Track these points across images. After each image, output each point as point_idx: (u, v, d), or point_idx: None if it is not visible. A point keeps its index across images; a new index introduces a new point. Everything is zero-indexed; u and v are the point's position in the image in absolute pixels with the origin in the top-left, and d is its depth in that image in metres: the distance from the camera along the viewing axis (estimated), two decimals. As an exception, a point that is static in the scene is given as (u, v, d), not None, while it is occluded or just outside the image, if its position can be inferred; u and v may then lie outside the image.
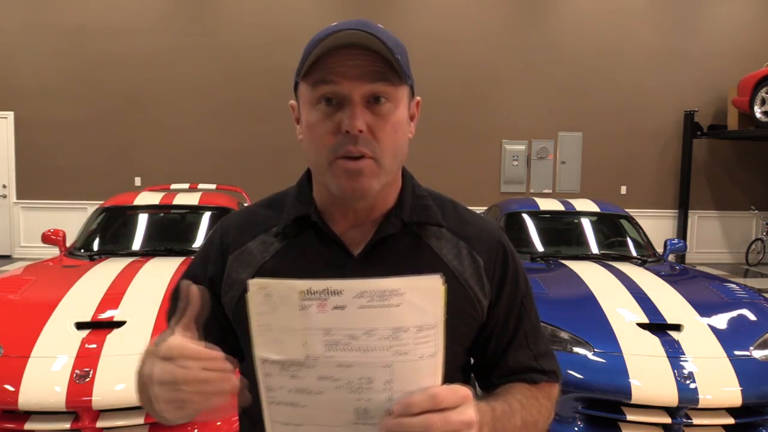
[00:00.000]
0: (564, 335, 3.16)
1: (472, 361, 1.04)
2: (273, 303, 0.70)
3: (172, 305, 1.04)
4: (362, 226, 0.96)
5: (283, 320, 0.69)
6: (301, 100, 0.92)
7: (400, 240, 0.95)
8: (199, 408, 0.71)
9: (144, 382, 0.78)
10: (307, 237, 0.96)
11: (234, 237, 1.00)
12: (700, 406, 2.82)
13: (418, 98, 1.01)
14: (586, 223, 5.14)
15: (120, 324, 2.99)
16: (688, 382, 2.86)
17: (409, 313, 0.68)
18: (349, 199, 0.91)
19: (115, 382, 2.65)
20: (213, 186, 6.47)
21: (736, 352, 3.03)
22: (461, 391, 0.71)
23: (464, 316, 0.95)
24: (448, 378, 0.75)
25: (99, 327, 2.98)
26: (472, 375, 1.05)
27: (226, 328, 0.99)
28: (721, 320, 3.31)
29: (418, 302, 0.68)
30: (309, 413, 0.70)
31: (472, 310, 0.96)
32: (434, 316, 0.68)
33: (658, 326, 3.21)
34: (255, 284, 0.70)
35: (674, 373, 2.89)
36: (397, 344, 0.68)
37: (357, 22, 0.88)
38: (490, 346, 1.00)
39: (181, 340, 0.71)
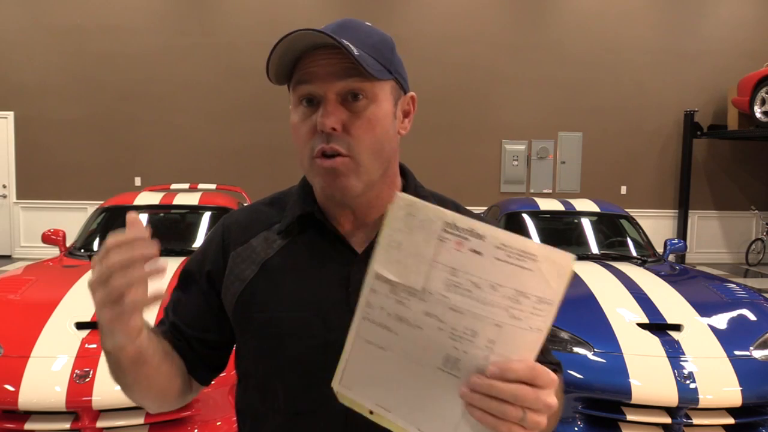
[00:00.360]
0: (564, 335, 3.16)
1: None
2: (413, 224, 0.67)
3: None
4: (365, 226, 0.97)
5: (416, 244, 0.67)
6: (291, 102, 0.94)
7: None
8: (132, 303, 0.71)
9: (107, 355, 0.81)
10: (311, 235, 0.97)
11: (236, 234, 1.00)
12: (700, 406, 2.82)
13: (412, 93, 0.99)
14: (586, 223, 5.14)
15: (120, 324, 2.98)
16: (688, 382, 2.86)
17: (537, 282, 0.66)
18: (331, 197, 0.92)
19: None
20: (213, 186, 6.47)
21: (736, 352, 3.03)
22: (552, 374, 0.70)
23: None
24: None
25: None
26: None
27: (224, 324, 1.00)
28: (721, 320, 3.31)
29: (548, 274, 0.66)
30: (398, 342, 0.68)
31: None
32: (556, 293, 0.67)
33: (658, 326, 3.21)
34: (401, 198, 0.68)
35: (674, 373, 2.89)
36: (515, 307, 0.66)
37: (337, 23, 0.90)
38: None
39: (112, 237, 0.72)
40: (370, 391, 0.72)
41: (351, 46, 0.84)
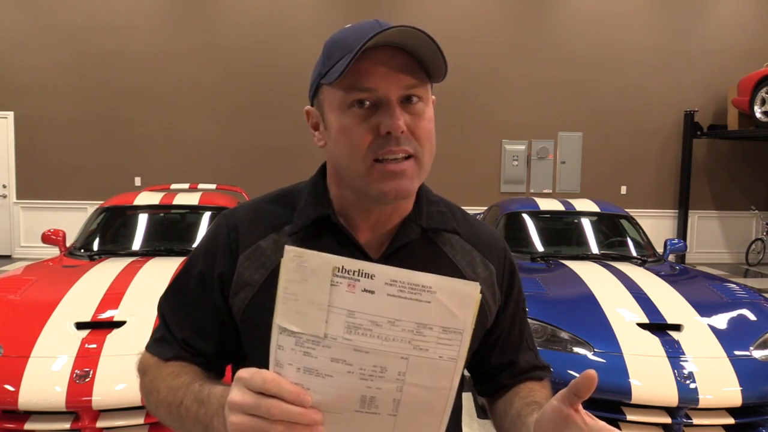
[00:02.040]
0: (564, 335, 3.16)
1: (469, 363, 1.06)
2: (305, 273, 0.68)
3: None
4: (381, 231, 0.95)
5: (311, 293, 0.68)
6: (327, 105, 0.90)
7: (418, 246, 0.95)
8: None
9: (194, 410, 0.80)
10: (325, 239, 0.94)
11: (243, 233, 0.96)
12: (700, 406, 2.82)
13: (434, 97, 0.98)
14: (586, 223, 5.14)
15: (120, 324, 2.99)
16: (688, 382, 2.86)
17: (438, 313, 0.67)
18: (390, 202, 0.90)
19: (115, 382, 2.65)
20: (213, 186, 6.47)
21: (736, 352, 3.03)
22: None
23: (476, 323, 0.96)
24: None
25: (99, 327, 2.98)
26: (468, 376, 1.07)
27: (229, 328, 0.96)
28: (721, 320, 3.31)
29: (450, 304, 0.67)
30: (313, 396, 0.69)
31: (483, 317, 0.98)
32: (462, 323, 0.68)
33: (658, 326, 3.21)
34: (290, 251, 0.69)
35: (674, 373, 2.89)
36: (418, 339, 0.67)
37: (398, 26, 0.86)
38: (495, 350, 1.03)
39: (276, 376, 0.69)
40: None
41: (438, 44, 0.83)
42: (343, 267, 0.67)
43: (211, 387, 0.81)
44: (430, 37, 0.82)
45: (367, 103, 0.85)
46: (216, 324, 0.96)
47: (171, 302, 1.00)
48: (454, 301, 0.67)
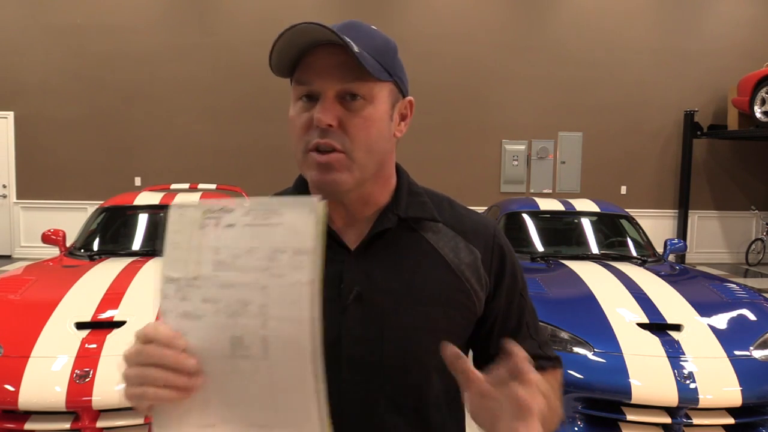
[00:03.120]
0: (564, 335, 3.16)
1: (472, 355, 1.05)
2: (184, 222, 0.71)
3: None
4: (359, 223, 0.97)
5: (187, 239, 0.70)
6: (291, 97, 0.95)
7: (397, 235, 0.96)
8: (153, 396, 0.70)
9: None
10: None
11: None
12: (700, 406, 2.82)
13: (410, 98, 1.00)
14: (586, 223, 5.14)
15: (120, 324, 2.99)
16: (688, 382, 2.86)
17: (287, 235, 0.67)
18: (322, 192, 0.92)
19: (115, 382, 2.65)
20: (213, 186, 6.47)
21: (736, 352, 3.03)
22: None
23: (460, 308, 0.96)
24: (447, 373, 0.75)
25: (99, 327, 2.98)
26: None
27: None
28: (721, 320, 3.31)
29: (296, 224, 0.66)
30: (190, 342, 0.69)
31: (469, 302, 0.97)
32: (311, 240, 0.66)
33: (658, 326, 3.21)
34: (174, 203, 0.72)
35: (674, 373, 2.89)
36: (274, 266, 0.66)
37: (343, 23, 0.91)
38: (492, 339, 1.01)
39: (155, 324, 0.72)
40: (188, 416, 0.71)
41: (352, 43, 0.85)
42: (210, 208, 0.70)
43: None
44: (341, 37, 0.84)
45: (313, 97, 0.90)
46: None
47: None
48: (299, 220, 0.67)
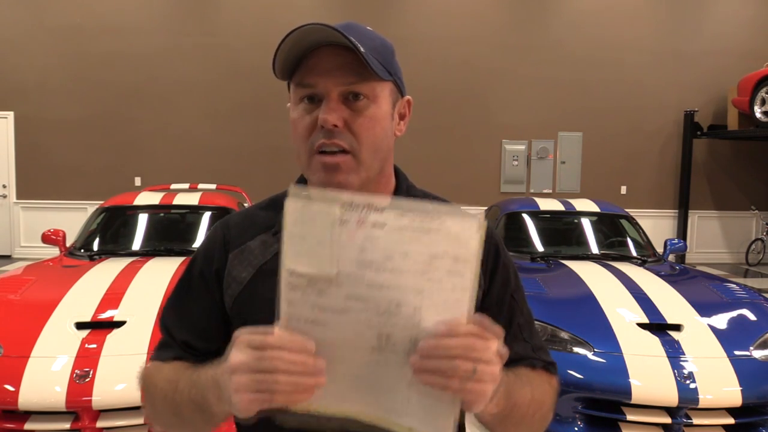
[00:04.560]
0: (564, 335, 3.16)
1: None
2: (311, 213, 0.67)
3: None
4: None
5: (319, 232, 0.67)
6: (291, 102, 0.95)
7: None
8: (283, 399, 0.68)
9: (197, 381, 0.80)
10: None
11: (235, 234, 1.00)
12: (700, 406, 2.82)
13: (408, 97, 1.01)
14: (586, 223, 5.14)
15: (120, 324, 2.99)
16: (688, 382, 2.86)
17: (447, 242, 0.66)
18: None
19: (115, 382, 2.65)
20: (213, 186, 6.47)
21: (736, 352, 3.03)
22: (497, 326, 0.70)
23: None
24: None
25: (99, 327, 2.98)
26: None
27: (228, 322, 0.98)
28: (721, 320, 3.31)
29: (458, 233, 0.66)
30: (328, 333, 0.68)
31: None
32: (470, 250, 0.67)
33: (658, 326, 3.21)
34: (295, 191, 0.68)
35: (674, 373, 2.89)
36: (431, 271, 0.66)
37: (341, 24, 0.90)
38: None
39: (277, 330, 0.69)
40: (319, 392, 0.71)
41: (358, 43, 0.86)
42: (351, 202, 0.66)
43: (205, 368, 0.81)
44: (345, 36, 0.84)
45: (316, 99, 0.90)
46: (218, 322, 0.98)
47: (172, 308, 1.03)
48: (462, 229, 0.66)
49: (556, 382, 1.04)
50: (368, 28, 0.95)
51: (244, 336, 0.69)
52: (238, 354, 0.69)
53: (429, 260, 0.66)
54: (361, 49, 0.85)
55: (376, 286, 0.66)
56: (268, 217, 1.01)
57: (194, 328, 0.98)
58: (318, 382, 0.68)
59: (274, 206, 1.02)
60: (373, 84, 0.90)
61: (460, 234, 0.66)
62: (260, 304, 0.92)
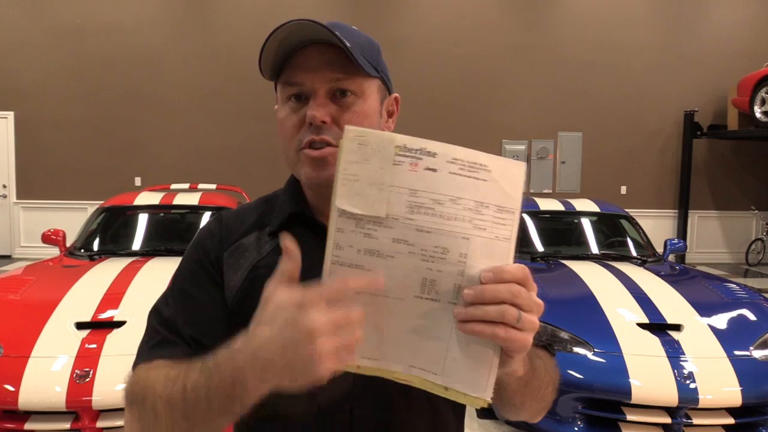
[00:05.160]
0: (564, 335, 3.16)
1: None
2: (366, 153, 0.68)
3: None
4: None
5: (373, 173, 0.67)
6: (278, 101, 0.96)
7: None
8: (328, 365, 0.63)
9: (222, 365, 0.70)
10: (302, 234, 0.93)
11: (229, 231, 0.99)
12: (700, 406, 2.82)
13: (396, 95, 1.01)
14: (586, 223, 5.14)
15: (120, 324, 2.99)
16: (688, 382, 2.86)
17: (494, 191, 0.67)
18: (318, 188, 0.92)
19: (115, 382, 2.65)
20: (213, 186, 6.47)
21: (736, 352, 3.03)
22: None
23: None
24: None
25: (99, 327, 2.98)
26: None
27: (228, 317, 0.93)
28: (721, 320, 3.31)
29: (503, 183, 0.68)
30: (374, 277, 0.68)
31: None
32: (514, 201, 0.68)
33: (658, 326, 3.21)
34: (351, 130, 0.68)
35: (674, 373, 2.89)
36: (478, 218, 0.67)
37: (327, 23, 0.89)
38: None
39: (313, 287, 0.65)
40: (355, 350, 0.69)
41: (344, 39, 0.86)
42: (405, 145, 0.67)
43: (217, 353, 0.72)
44: (330, 30, 0.85)
45: (303, 97, 0.90)
46: (220, 316, 0.92)
47: (172, 304, 0.95)
48: (506, 179, 0.68)
49: (556, 365, 1.04)
50: (354, 27, 0.95)
51: (311, 293, 0.64)
52: (315, 314, 0.63)
53: (476, 207, 0.67)
54: (347, 44, 0.86)
55: (424, 231, 0.67)
56: (262, 215, 1.00)
57: (198, 321, 0.91)
58: (357, 336, 0.66)
59: (268, 205, 1.02)
60: (360, 80, 0.90)
61: (504, 184, 0.68)
62: (258, 303, 0.86)
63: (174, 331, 0.91)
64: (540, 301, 0.71)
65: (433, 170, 0.67)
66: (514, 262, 0.71)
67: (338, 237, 0.68)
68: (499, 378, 0.72)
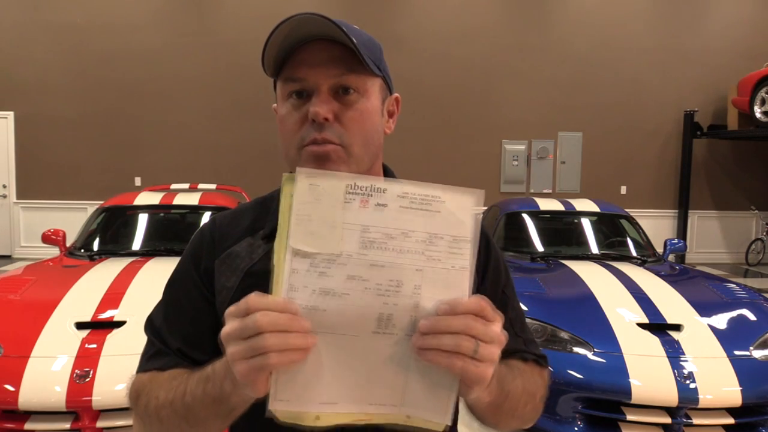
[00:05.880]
0: (564, 335, 3.16)
1: None
2: (317, 193, 0.69)
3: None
4: None
5: (325, 212, 0.68)
6: (277, 99, 0.94)
7: None
8: (276, 362, 0.66)
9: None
10: None
11: (221, 236, 0.98)
12: (700, 406, 2.82)
13: (397, 95, 1.00)
14: (586, 223, 5.14)
15: (120, 324, 2.99)
16: (688, 382, 2.86)
17: (447, 222, 0.69)
18: None
19: (115, 382, 2.65)
20: (213, 186, 6.47)
21: (736, 352, 3.03)
22: (497, 311, 0.71)
23: None
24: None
25: (99, 327, 2.98)
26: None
27: (217, 328, 0.95)
28: (721, 320, 3.31)
29: (457, 213, 0.69)
30: (329, 319, 0.68)
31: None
32: (469, 231, 0.69)
33: (658, 326, 3.21)
34: (302, 173, 0.69)
35: (674, 373, 2.89)
36: (431, 249, 0.68)
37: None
38: None
39: (259, 294, 0.68)
40: (310, 392, 0.70)
41: (351, 35, 0.85)
42: (355, 184, 0.69)
43: (214, 363, 0.78)
44: (339, 26, 0.84)
45: (305, 93, 0.89)
46: (208, 329, 0.94)
47: (162, 313, 0.98)
48: (461, 209, 0.69)
49: (547, 375, 1.04)
50: (356, 26, 0.95)
51: (230, 307, 0.69)
52: (227, 326, 0.68)
53: (429, 239, 0.68)
54: (354, 39, 0.85)
55: (378, 266, 0.68)
56: (254, 218, 0.99)
57: (186, 334, 0.94)
58: (308, 342, 0.67)
59: (260, 207, 1.01)
60: (364, 78, 0.89)
61: (458, 213, 0.69)
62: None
63: (164, 343, 0.95)
64: (501, 333, 0.70)
65: (384, 205, 0.68)
66: (478, 291, 0.72)
67: (293, 278, 0.68)
68: (468, 402, 0.72)
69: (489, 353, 0.69)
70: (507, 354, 0.99)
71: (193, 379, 0.81)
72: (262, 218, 0.99)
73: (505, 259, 1.08)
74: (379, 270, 0.68)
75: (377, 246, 0.68)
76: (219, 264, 0.96)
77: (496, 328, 0.70)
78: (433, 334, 0.67)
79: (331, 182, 0.69)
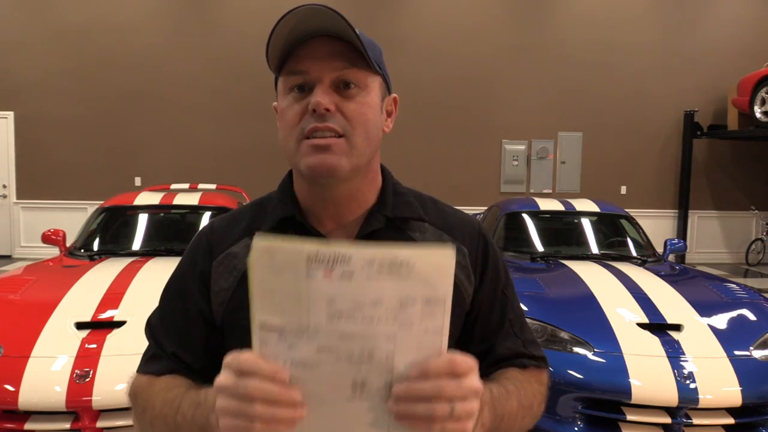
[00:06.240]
0: (564, 335, 3.16)
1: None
2: (278, 266, 0.65)
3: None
4: (346, 226, 0.96)
5: (288, 285, 0.65)
6: (278, 94, 0.95)
7: (385, 236, 0.96)
8: (260, 430, 0.66)
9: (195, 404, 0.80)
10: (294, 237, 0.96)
11: (218, 239, 0.99)
12: (700, 406, 2.82)
13: (395, 95, 1.01)
14: (586, 223, 5.14)
15: (120, 324, 2.99)
16: (688, 382, 2.86)
17: (419, 286, 0.65)
18: (318, 178, 0.90)
19: (115, 382, 2.65)
20: (213, 186, 6.47)
21: (736, 352, 3.03)
22: (470, 360, 0.70)
23: (452, 305, 0.96)
24: None
25: (99, 327, 2.98)
26: None
27: (215, 337, 0.97)
28: (721, 320, 3.31)
29: (428, 275, 0.65)
30: (303, 388, 0.67)
31: (459, 299, 0.96)
32: (443, 291, 0.66)
33: (658, 326, 3.21)
34: (260, 244, 0.66)
35: (674, 373, 2.89)
36: (403, 315, 0.65)
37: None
38: (475, 335, 1.01)
39: (254, 356, 0.68)
40: None
41: (354, 28, 0.86)
42: (317, 255, 0.65)
43: (207, 389, 0.80)
44: (346, 21, 0.85)
45: (306, 87, 0.89)
46: (202, 334, 0.96)
47: (159, 318, 1.01)
48: (433, 271, 0.65)
49: (546, 377, 1.04)
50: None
51: (228, 357, 0.68)
52: (222, 376, 0.68)
53: (399, 305, 0.65)
54: (357, 32, 0.86)
55: (347, 337, 0.66)
56: (253, 219, 1.00)
57: (179, 339, 0.96)
58: (296, 415, 0.67)
59: (257, 208, 1.02)
60: (365, 73, 0.90)
61: (430, 274, 0.65)
62: (247, 309, 0.91)
63: (159, 346, 0.98)
64: (476, 385, 0.69)
65: (350, 273, 0.64)
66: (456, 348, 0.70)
67: (264, 350, 0.67)
68: None
69: (466, 411, 0.68)
70: (507, 358, 1.00)
71: (187, 399, 0.83)
72: (259, 219, 0.99)
73: (504, 259, 1.07)
74: (349, 341, 0.66)
75: (346, 316, 0.65)
76: (216, 265, 0.96)
77: (471, 381, 0.68)
78: (406, 402, 0.67)
79: (290, 254, 0.65)
